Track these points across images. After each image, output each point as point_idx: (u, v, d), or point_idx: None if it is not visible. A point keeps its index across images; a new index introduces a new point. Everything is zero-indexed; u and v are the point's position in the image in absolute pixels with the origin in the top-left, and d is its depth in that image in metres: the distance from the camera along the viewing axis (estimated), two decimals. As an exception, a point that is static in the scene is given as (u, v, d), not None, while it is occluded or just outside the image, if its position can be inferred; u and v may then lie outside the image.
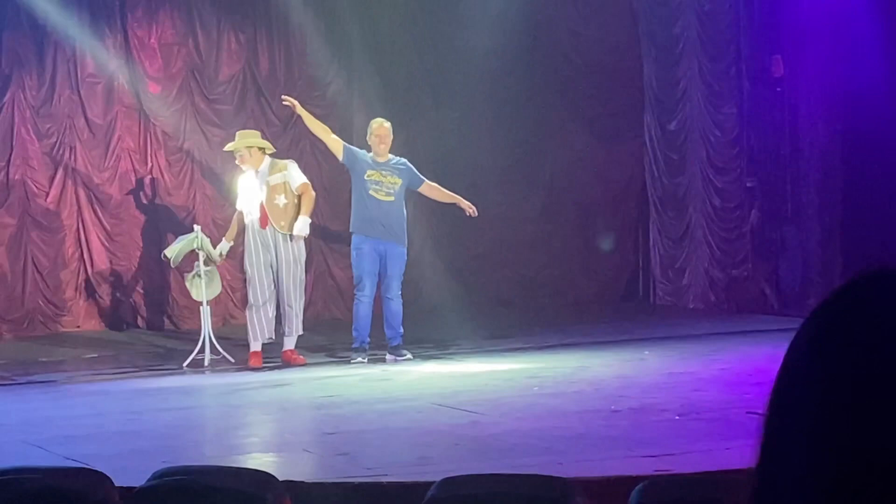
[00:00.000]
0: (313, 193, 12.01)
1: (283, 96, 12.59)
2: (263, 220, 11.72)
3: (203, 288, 12.00)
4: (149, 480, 4.26)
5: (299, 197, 11.83)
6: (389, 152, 11.95)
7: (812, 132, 14.66)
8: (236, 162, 11.85)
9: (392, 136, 11.95)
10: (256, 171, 11.75)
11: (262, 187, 11.70)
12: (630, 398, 9.16)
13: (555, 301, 15.66)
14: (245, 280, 11.98)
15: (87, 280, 14.40)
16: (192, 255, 12.20)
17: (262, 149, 11.84)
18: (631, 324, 13.91)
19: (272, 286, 11.76)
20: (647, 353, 11.68)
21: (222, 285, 13.17)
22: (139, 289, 14.55)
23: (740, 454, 7.00)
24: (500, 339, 12.89)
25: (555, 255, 16.01)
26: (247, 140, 11.87)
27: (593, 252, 16.13)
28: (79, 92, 14.34)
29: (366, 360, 11.68)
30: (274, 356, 11.83)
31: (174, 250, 12.20)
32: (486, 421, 8.59)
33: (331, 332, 13.55)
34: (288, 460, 7.76)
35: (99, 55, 14.31)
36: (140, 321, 14.55)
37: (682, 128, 15.38)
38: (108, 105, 14.45)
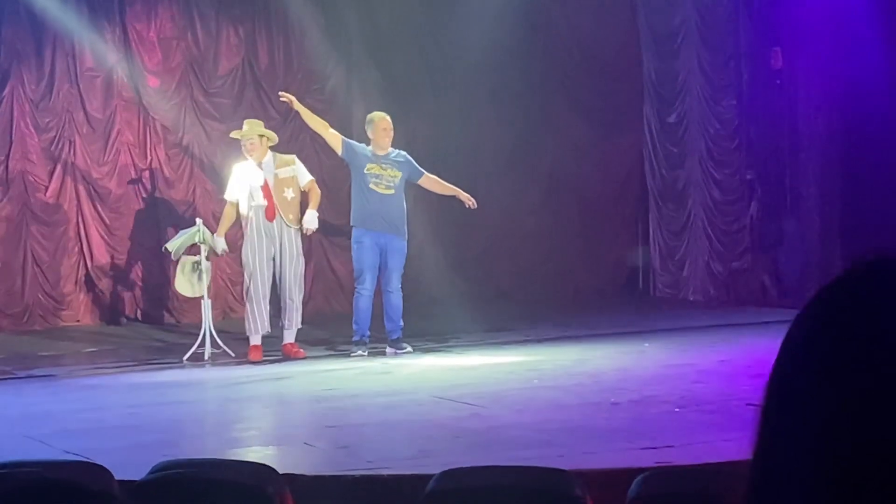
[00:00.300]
0: (319, 190, 12.06)
1: (280, 92, 12.58)
2: (271, 213, 11.70)
3: (196, 282, 11.97)
4: (149, 474, 4.27)
5: (303, 192, 11.88)
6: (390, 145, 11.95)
7: (811, 124, 14.66)
8: (245, 150, 11.76)
9: (392, 131, 11.96)
10: (260, 163, 11.73)
11: (270, 179, 11.69)
12: (630, 390, 9.17)
13: (554, 293, 15.65)
14: (244, 272, 11.88)
15: (87, 274, 14.40)
16: (192, 249, 12.19)
17: (268, 139, 11.86)
18: (631, 316, 13.91)
19: (272, 279, 11.75)
20: (646, 345, 11.69)
21: (221, 279, 13.19)
22: (139, 283, 14.55)
23: (740, 446, 6.98)
24: (500, 331, 12.89)
25: (554, 247, 16.01)
26: (259, 128, 11.89)
27: (593, 244, 16.13)
28: (78, 86, 14.33)
29: (366, 354, 11.68)
30: (273, 350, 11.83)
31: (175, 244, 12.19)
32: (487, 414, 8.60)
33: (331, 326, 13.55)
34: (288, 453, 7.76)
35: (98, 49, 14.31)
36: (140, 315, 14.55)
37: (681, 120, 15.38)
38: (108, 99, 14.44)
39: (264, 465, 4.41)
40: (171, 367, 11.65)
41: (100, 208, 14.41)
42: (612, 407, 8.61)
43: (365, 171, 11.78)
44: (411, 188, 12.28)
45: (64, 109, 14.28)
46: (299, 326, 11.88)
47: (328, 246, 15.20)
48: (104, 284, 14.45)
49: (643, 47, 15.78)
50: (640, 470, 4.76)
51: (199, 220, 12.31)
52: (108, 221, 14.43)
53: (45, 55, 14.20)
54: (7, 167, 14.12)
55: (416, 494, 4.06)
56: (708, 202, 15.11)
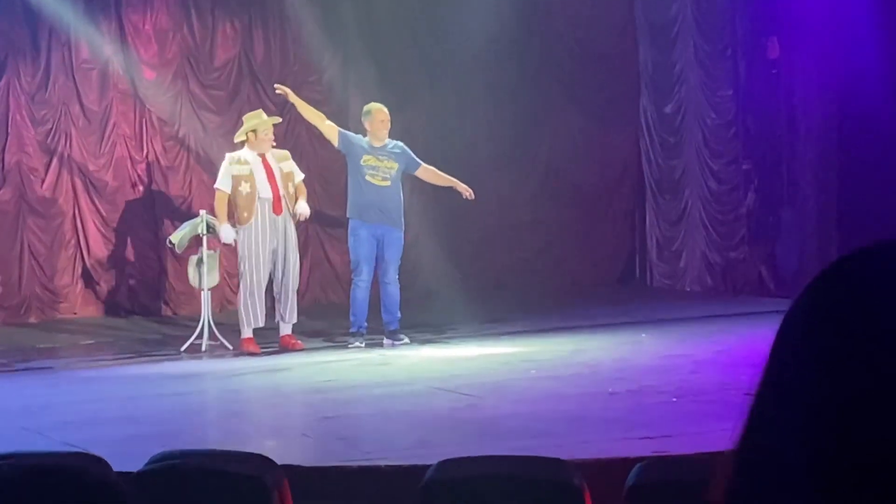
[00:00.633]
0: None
1: (275, 85, 12.58)
2: (279, 206, 11.69)
3: (206, 274, 11.97)
4: (147, 465, 4.27)
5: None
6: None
7: (808, 114, 14.66)
8: (259, 141, 11.67)
9: (389, 122, 11.94)
10: (265, 155, 11.72)
11: (276, 172, 11.67)
12: (627, 380, 9.18)
13: (552, 284, 15.66)
14: (241, 264, 11.81)
15: (84, 266, 14.39)
16: (196, 241, 12.18)
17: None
18: (628, 306, 13.92)
19: (269, 272, 11.73)
20: (644, 335, 11.70)
21: (223, 273, 13.19)
22: (136, 275, 14.55)
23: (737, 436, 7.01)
24: (498, 322, 12.90)
25: (551, 238, 16.01)
26: (273, 118, 11.90)
27: (590, 235, 16.14)
28: (74, 78, 14.31)
29: (363, 345, 11.69)
30: (270, 342, 11.82)
31: (178, 236, 12.18)
32: (484, 404, 8.61)
33: (328, 318, 13.55)
34: (286, 445, 7.77)
35: (93, 41, 14.29)
36: (137, 307, 14.54)
37: (678, 111, 15.38)
38: (103, 91, 14.43)
39: (262, 456, 4.41)
40: (168, 359, 11.65)
41: (96, 200, 14.40)
42: (609, 397, 8.62)
43: (361, 163, 11.77)
44: (408, 179, 12.28)
45: (60, 102, 14.26)
46: (295, 320, 11.88)
47: (325, 237, 15.20)
48: (101, 276, 14.45)
49: (639, 38, 15.78)
50: (638, 459, 4.77)
51: (202, 212, 12.29)
52: (104, 214, 14.42)
53: (41, 47, 14.18)
54: (3, 160, 14.11)
55: (414, 485, 4.06)
56: (705, 192, 15.11)
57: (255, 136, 11.69)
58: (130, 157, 14.57)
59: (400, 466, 6.40)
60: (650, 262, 15.97)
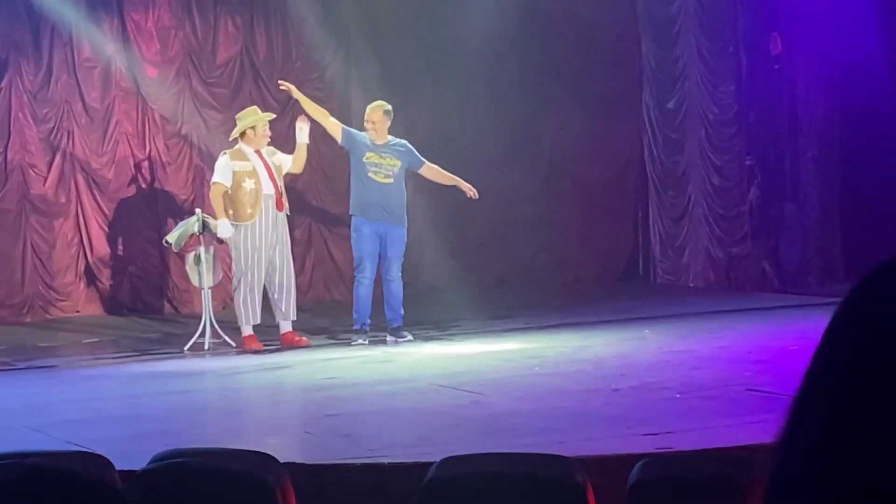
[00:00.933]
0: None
1: (279, 81, 12.57)
2: (280, 202, 11.68)
3: (205, 273, 11.96)
4: (150, 463, 4.27)
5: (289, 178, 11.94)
6: (389, 134, 11.93)
7: (810, 109, 14.66)
8: (257, 137, 11.66)
9: (387, 120, 11.88)
10: (261, 152, 11.71)
11: (273, 168, 11.67)
12: (630, 377, 9.17)
13: (554, 281, 15.66)
14: (239, 260, 11.73)
15: (87, 265, 14.39)
16: (193, 240, 12.17)
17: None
18: (631, 303, 13.91)
19: (267, 269, 11.70)
20: (647, 331, 11.69)
21: (222, 269, 13.17)
22: (139, 273, 14.55)
23: (740, 431, 7.01)
24: (501, 319, 12.89)
25: (554, 235, 16.01)
26: (268, 114, 11.90)
27: (593, 232, 16.13)
28: (76, 76, 14.32)
29: (366, 342, 11.68)
30: (272, 339, 11.81)
31: (175, 235, 12.17)
32: (487, 401, 8.60)
33: (331, 315, 13.56)
34: (289, 442, 7.77)
35: (96, 39, 14.29)
36: (140, 305, 14.55)
37: (680, 106, 15.36)
38: (106, 89, 14.43)
39: (265, 454, 4.41)
40: (171, 357, 11.64)
41: (99, 199, 14.41)
42: (612, 393, 8.61)
43: (364, 160, 11.77)
44: (411, 177, 12.27)
45: (62, 100, 14.26)
46: (295, 317, 11.87)
47: (328, 235, 15.20)
48: (104, 275, 14.45)
49: (642, 34, 15.77)
50: (641, 456, 4.77)
51: (198, 210, 12.28)
52: (107, 212, 14.42)
53: (43, 46, 14.18)
54: (6, 158, 14.11)
55: (417, 482, 4.06)
56: (707, 188, 15.10)
57: (255, 132, 11.67)
58: (133, 155, 14.57)
59: (403, 464, 6.40)
60: (653, 259, 15.96)
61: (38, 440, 7.63)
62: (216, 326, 11.92)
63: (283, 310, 11.74)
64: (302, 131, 11.95)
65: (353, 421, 8.21)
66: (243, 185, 11.59)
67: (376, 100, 12.20)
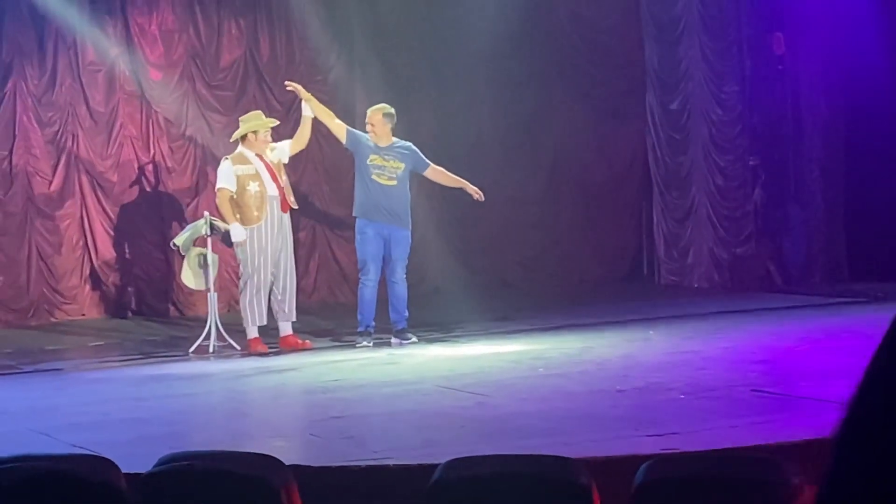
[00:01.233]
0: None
1: (286, 81, 12.55)
2: (285, 204, 11.68)
3: (210, 275, 11.95)
4: (155, 466, 4.27)
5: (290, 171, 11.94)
6: (393, 136, 11.92)
7: (814, 109, 14.66)
8: (259, 141, 11.65)
9: (387, 123, 11.85)
10: (262, 155, 11.70)
11: (274, 169, 11.67)
12: (635, 378, 9.17)
13: (559, 282, 15.66)
14: (246, 262, 11.72)
15: (92, 268, 14.41)
16: (199, 242, 12.17)
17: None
18: (635, 304, 13.91)
19: (272, 271, 11.70)
20: (651, 332, 11.69)
21: (227, 272, 13.20)
22: (143, 276, 14.56)
23: (745, 432, 7.01)
24: (505, 320, 12.89)
25: (558, 236, 16.01)
26: (272, 120, 11.88)
27: (597, 233, 16.14)
28: (80, 80, 14.33)
29: (371, 344, 11.68)
30: (276, 341, 11.81)
31: (183, 238, 12.18)
32: (492, 403, 8.60)
33: (336, 317, 13.56)
34: (294, 445, 7.77)
35: (100, 43, 14.31)
36: (145, 308, 14.56)
37: (684, 107, 15.37)
38: (110, 93, 14.45)
39: (270, 456, 4.41)
40: (176, 360, 11.65)
41: (104, 202, 14.42)
42: (617, 394, 8.61)
43: (368, 162, 11.77)
44: (415, 178, 12.27)
45: (67, 103, 14.28)
46: (294, 318, 11.88)
47: (332, 237, 15.21)
48: (109, 278, 14.46)
49: (645, 34, 15.77)
50: (646, 457, 4.76)
51: (206, 213, 12.28)
52: (112, 215, 14.44)
53: (48, 49, 14.20)
54: (11, 162, 14.14)
55: (422, 484, 4.06)
56: (711, 189, 15.10)
57: (256, 136, 11.68)
58: (137, 158, 14.59)
59: (408, 466, 6.40)
60: (657, 259, 15.96)
61: (44, 443, 7.63)
62: (221, 329, 11.92)
63: (286, 311, 11.74)
64: (307, 107, 11.95)
65: (358, 423, 8.21)
66: (248, 188, 11.59)
67: (380, 102, 12.20)
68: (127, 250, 14.51)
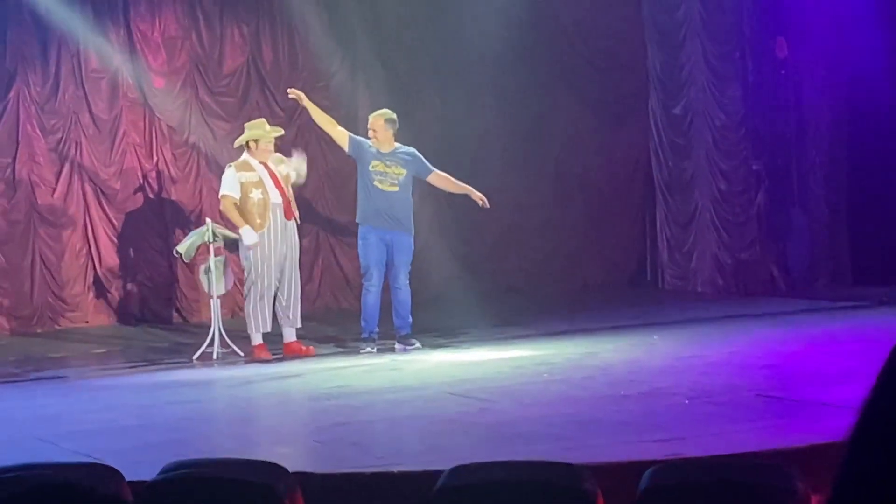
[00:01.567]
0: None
1: (288, 89, 12.55)
2: (289, 212, 11.68)
3: (215, 281, 11.96)
4: (160, 474, 4.27)
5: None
6: (396, 141, 11.92)
7: (817, 113, 14.65)
8: (262, 149, 11.64)
9: (389, 128, 11.84)
10: (266, 163, 11.70)
11: (280, 178, 11.67)
12: (639, 383, 9.16)
13: (563, 287, 15.66)
14: (249, 269, 11.72)
15: (96, 275, 14.42)
16: (203, 250, 12.18)
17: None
18: (639, 308, 13.90)
19: (277, 277, 11.70)
20: (655, 337, 11.68)
21: (231, 277, 13.18)
22: (147, 283, 14.56)
23: (750, 437, 7.00)
24: (509, 326, 12.89)
25: (562, 241, 16.01)
26: (276, 130, 11.88)
27: (600, 237, 16.13)
28: (83, 87, 14.34)
29: (375, 350, 11.68)
30: (280, 348, 11.81)
31: (185, 245, 12.18)
32: (496, 408, 8.59)
33: (339, 323, 13.56)
34: (298, 451, 7.77)
35: (103, 50, 14.32)
36: (148, 315, 14.56)
37: (686, 112, 15.36)
38: (113, 100, 14.46)
39: (274, 463, 4.41)
40: (180, 367, 11.64)
41: (107, 209, 14.43)
42: (621, 400, 8.60)
43: (370, 169, 11.77)
44: (419, 184, 12.27)
45: (70, 111, 14.29)
46: (299, 325, 11.88)
47: (335, 243, 15.21)
48: (112, 285, 14.47)
49: (647, 39, 15.77)
50: (651, 462, 4.76)
51: (208, 220, 12.29)
52: (115, 222, 14.44)
53: (51, 57, 14.21)
54: (14, 169, 14.14)
55: (427, 490, 4.06)
56: (715, 193, 15.10)
57: (257, 145, 11.68)
58: (140, 166, 14.59)
59: (412, 472, 6.39)
60: (661, 264, 15.95)
61: (48, 451, 7.63)
62: (225, 336, 11.92)
63: (291, 317, 11.75)
64: (289, 164, 11.88)
65: (362, 429, 8.21)
66: (251, 195, 11.59)
67: (383, 108, 12.20)
68: (130, 257, 14.52)
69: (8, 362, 12.22)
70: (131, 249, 14.52)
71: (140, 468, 5.31)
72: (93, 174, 14.36)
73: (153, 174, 14.63)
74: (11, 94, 14.10)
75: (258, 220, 11.57)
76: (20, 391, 10.71)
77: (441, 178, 12.07)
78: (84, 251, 14.38)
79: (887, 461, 1.29)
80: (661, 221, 15.90)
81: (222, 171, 12.26)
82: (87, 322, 14.38)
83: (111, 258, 14.45)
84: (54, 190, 14.26)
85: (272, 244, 11.62)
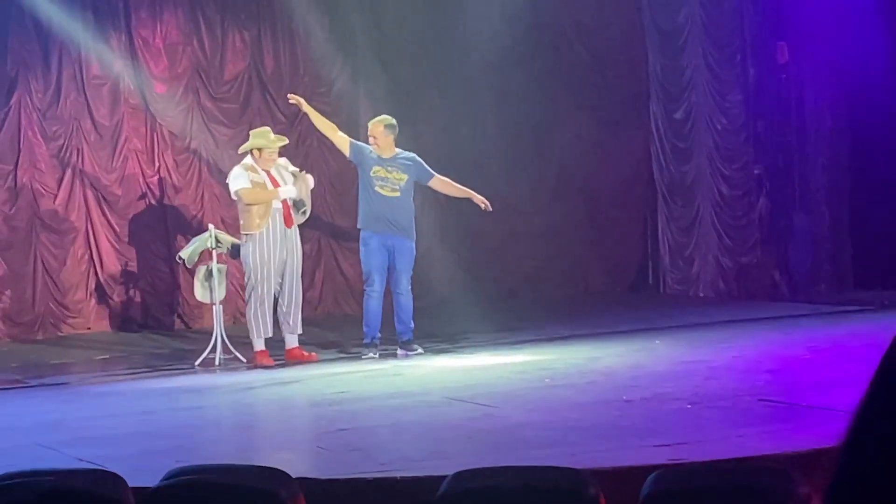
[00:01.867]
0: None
1: (288, 95, 12.56)
2: (289, 219, 11.68)
3: (216, 288, 11.95)
4: (162, 480, 4.27)
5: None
6: (398, 147, 11.92)
7: (818, 117, 14.65)
8: (264, 158, 11.64)
9: (389, 134, 11.83)
10: (269, 171, 11.70)
11: (282, 183, 11.67)
12: (642, 388, 9.16)
13: (565, 292, 15.66)
14: (250, 274, 11.72)
15: (98, 281, 14.42)
16: (205, 255, 12.18)
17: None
18: (641, 313, 13.90)
19: (277, 283, 11.70)
20: (658, 342, 11.68)
21: (233, 284, 13.19)
22: (149, 289, 14.57)
23: (753, 442, 7.00)
24: (511, 331, 12.89)
25: (564, 245, 16.01)
26: (280, 139, 11.87)
27: (602, 242, 16.13)
28: (85, 93, 14.35)
29: (377, 356, 11.68)
30: (281, 354, 11.81)
31: (188, 251, 12.18)
32: (499, 414, 8.59)
33: (341, 329, 13.56)
34: (301, 457, 7.77)
35: (104, 57, 14.32)
36: (151, 321, 14.56)
37: (688, 116, 15.37)
38: (115, 106, 14.46)
39: (277, 469, 4.41)
40: (182, 374, 11.65)
41: (109, 215, 14.43)
42: (624, 405, 8.60)
43: (371, 174, 11.77)
44: (421, 189, 12.27)
45: (71, 117, 14.30)
46: (300, 331, 11.88)
47: (337, 248, 15.22)
48: (114, 291, 14.47)
49: (648, 44, 15.78)
50: (654, 467, 4.76)
51: (210, 226, 12.29)
52: (117, 228, 14.45)
53: (52, 64, 14.22)
54: (15, 176, 14.15)
55: (430, 496, 4.05)
56: (716, 197, 15.10)
57: (261, 154, 11.68)
58: (142, 172, 14.60)
59: (415, 478, 6.39)
60: (663, 268, 15.96)
61: (51, 458, 7.62)
62: (227, 342, 11.92)
63: (291, 323, 11.74)
64: (292, 189, 11.86)
65: (364, 435, 8.21)
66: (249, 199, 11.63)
67: (384, 113, 12.21)
68: (132, 264, 14.52)
69: (10, 369, 12.22)
70: (133, 256, 14.52)
71: (143, 474, 5.31)
72: (94, 180, 14.36)
73: (155, 180, 14.63)
74: (13, 100, 14.11)
75: (258, 221, 11.57)
76: (22, 398, 10.71)
77: (443, 183, 12.08)
78: (86, 257, 14.39)
79: (883, 463, 1.30)
80: (663, 226, 15.90)
81: (224, 177, 12.26)
82: (88, 328, 14.38)
83: (113, 264, 14.46)
84: (56, 196, 14.27)
85: (272, 249, 11.62)
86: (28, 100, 14.16)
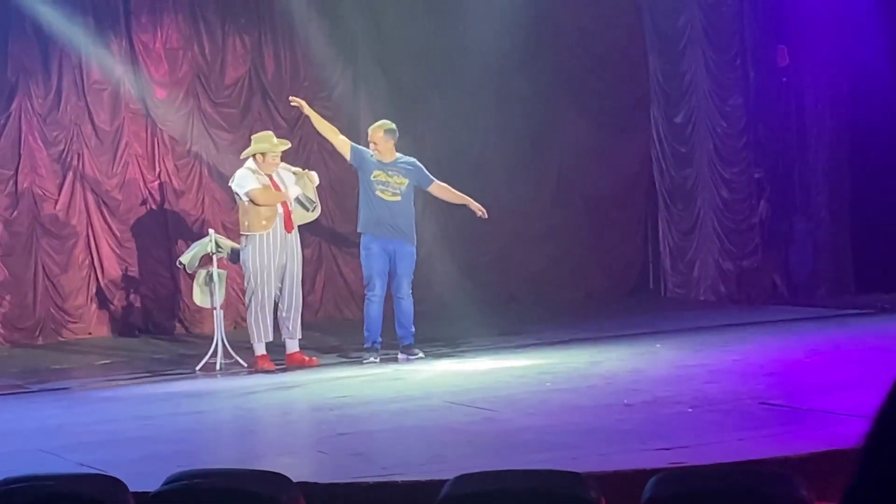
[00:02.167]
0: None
1: (290, 97, 12.57)
2: (290, 224, 11.68)
3: (216, 292, 11.95)
4: (163, 485, 4.27)
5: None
6: (398, 151, 11.93)
7: (819, 121, 14.65)
8: (267, 163, 11.64)
9: (389, 139, 11.83)
10: (272, 176, 11.70)
11: (283, 189, 11.68)
12: (643, 391, 9.16)
13: (565, 296, 15.66)
14: (250, 279, 11.71)
15: (98, 286, 14.41)
16: (205, 260, 12.17)
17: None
18: (642, 317, 13.90)
19: (277, 287, 11.70)
20: (658, 345, 11.68)
21: (234, 289, 13.18)
22: (150, 294, 14.56)
23: (754, 445, 7.00)
24: (512, 335, 12.89)
25: (564, 249, 16.01)
26: (283, 143, 11.87)
27: (602, 246, 16.13)
28: (85, 98, 14.35)
29: (378, 360, 11.68)
30: (282, 358, 11.81)
31: (188, 256, 12.18)
32: (500, 418, 8.60)
33: (342, 333, 13.55)
34: (302, 461, 7.76)
35: (104, 62, 14.33)
36: (151, 326, 14.56)
37: (688, 120, 15.37)
38: (115, 111, 14.46)
39: (278, 473, 4.41)
40: (183, 378, 11.65)
41: (109, 220, 14.43)
42: (625, 408, 8.61)
43: (371, 178, 11.78)
44: (420, 195, 12.28)
45: (72, 122, 14.30)
46: (300, 336, 11.88)
47: (338, 253, 15.21)
48: (115, 296, 14.47)
49: (649, 48, 15.78)
50: (655, 471, 4.76)
51: (211, 231, 12.29)
52: (118, 233, 14.44)
53: (52, 69, 14.22)
54: (16, 181, 14.15)
55: (431, 500, 4.05)
56: (717, 201, 15.10)
57: (264, 158, 11.68)
58: (143, 177, 14.60)
59: (416, 482, 6.40)
60: (663, 272, 15.96)
61: (52, 463, 7.63)
62: (228, 346, 11.92)
63: (291, 328, 11.74)
64: (295, 187, 11.88)
65: (365, 439, 8.21)
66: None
67: (384, 118, 12.21)
68: (133, 268, 14.51)
69: (11, 374, 12.22)
70: (134, 260, 14.52)
71: (144, 479, 5.32)
72: (95, 185, 14.36)
73: (155, 185, 14.63)
74: (14, 105, 14.11)
75: (263, 222, 11.57)
76: (23, 403, 10.71)
77: (441, 189, 12.09)
78: (86, 262, 14.39)
79: None
80: (664, 230, 15.90)
81: (225, 182, 12.26)
82: (89, 333, 14.38)
83: (114, 269, 14.45)
84: (57, 201, 14.27)
85: (272, 253, 11.62)
86: (29, 105, 14.17)
